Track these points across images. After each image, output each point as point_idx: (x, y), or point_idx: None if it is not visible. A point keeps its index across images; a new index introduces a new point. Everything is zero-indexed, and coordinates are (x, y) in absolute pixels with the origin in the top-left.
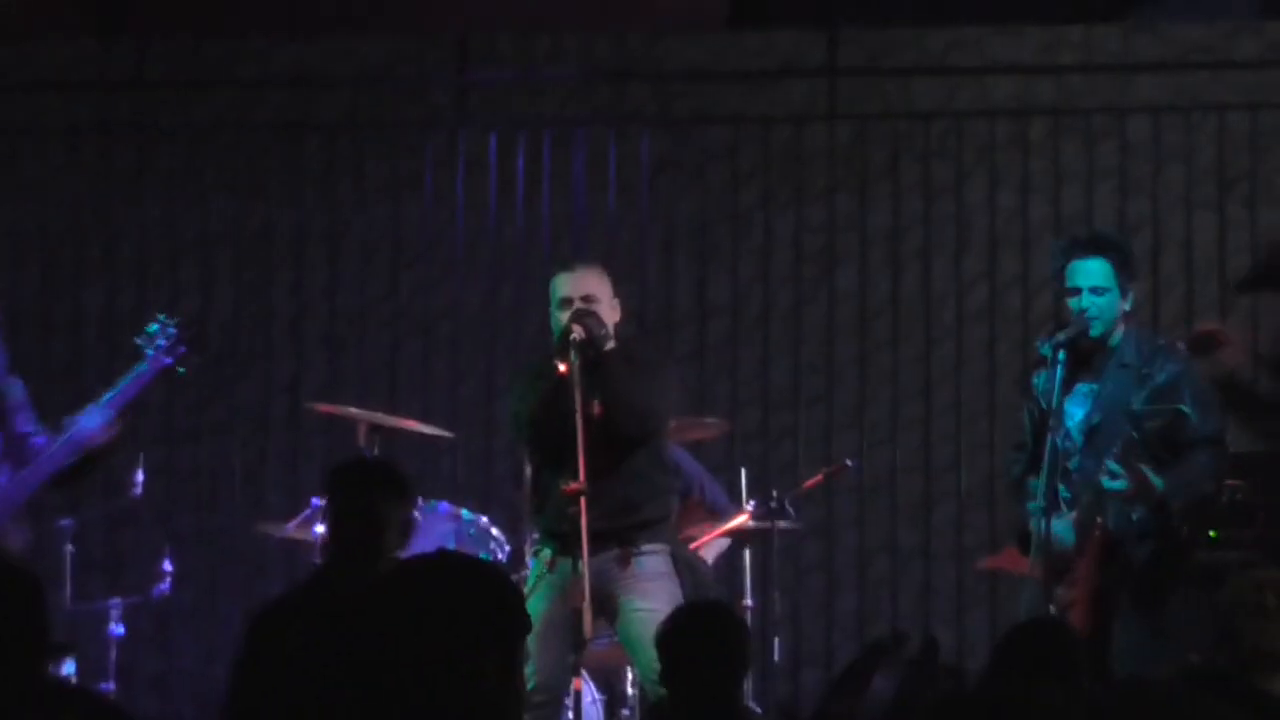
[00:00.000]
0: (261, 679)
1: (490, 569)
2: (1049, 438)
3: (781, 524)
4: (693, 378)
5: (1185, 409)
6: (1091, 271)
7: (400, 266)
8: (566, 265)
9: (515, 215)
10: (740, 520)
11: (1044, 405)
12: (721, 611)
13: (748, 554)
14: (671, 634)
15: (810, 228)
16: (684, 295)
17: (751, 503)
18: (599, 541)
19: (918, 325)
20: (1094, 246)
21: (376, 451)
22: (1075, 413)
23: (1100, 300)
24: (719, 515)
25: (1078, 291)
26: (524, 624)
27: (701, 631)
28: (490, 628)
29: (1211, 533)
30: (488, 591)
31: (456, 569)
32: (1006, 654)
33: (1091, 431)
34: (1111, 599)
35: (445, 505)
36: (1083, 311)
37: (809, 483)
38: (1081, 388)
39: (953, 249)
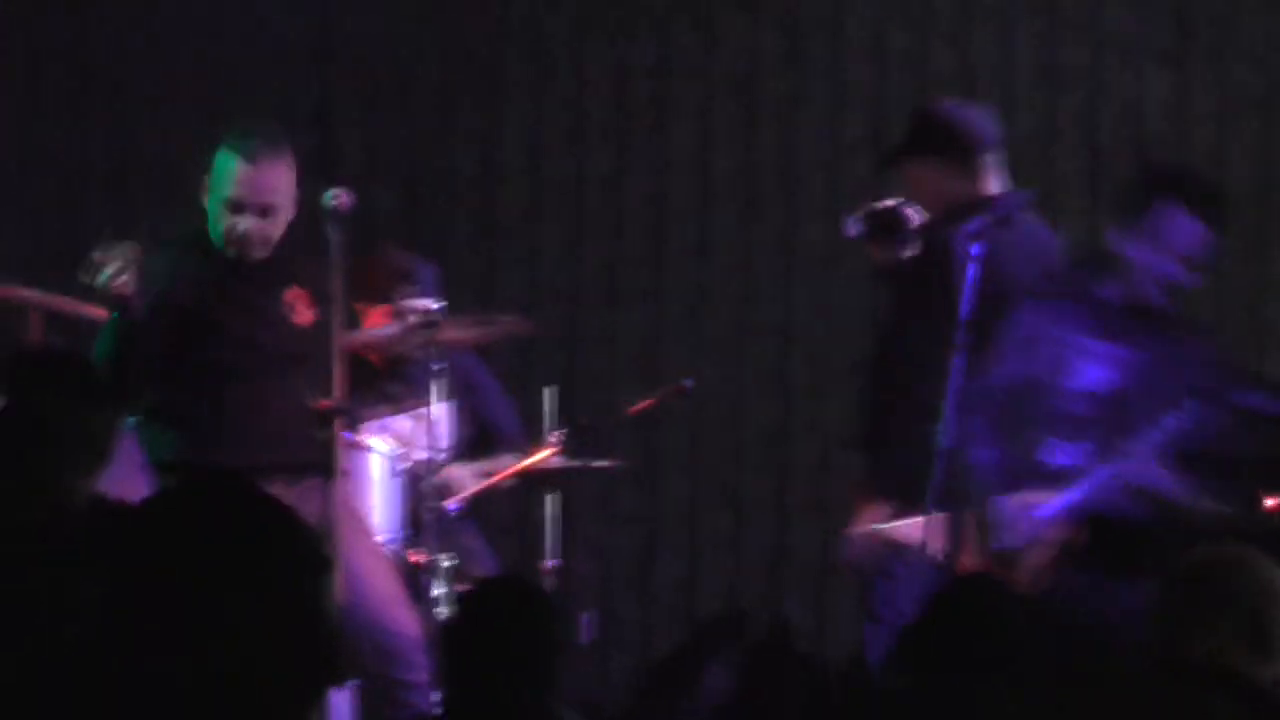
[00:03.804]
0: None
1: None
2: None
3: (596, 463)
4: (476, 266)
5: None
6: None
7: None
8: (246, 146)
9: None
10: (543, 455)
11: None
12: (521, 586)
13: (549, 502)
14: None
15: (637, 70)
16: (467, 155)
17: (556, 433)
18: None
19: (779, 200)
20: None
21: None
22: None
23: None
24: (512, 446)
25: None
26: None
27: (497, 613)
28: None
29: None
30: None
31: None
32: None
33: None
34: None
35: None
36: None
37: (638, 406)
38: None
39: (826, 103)
